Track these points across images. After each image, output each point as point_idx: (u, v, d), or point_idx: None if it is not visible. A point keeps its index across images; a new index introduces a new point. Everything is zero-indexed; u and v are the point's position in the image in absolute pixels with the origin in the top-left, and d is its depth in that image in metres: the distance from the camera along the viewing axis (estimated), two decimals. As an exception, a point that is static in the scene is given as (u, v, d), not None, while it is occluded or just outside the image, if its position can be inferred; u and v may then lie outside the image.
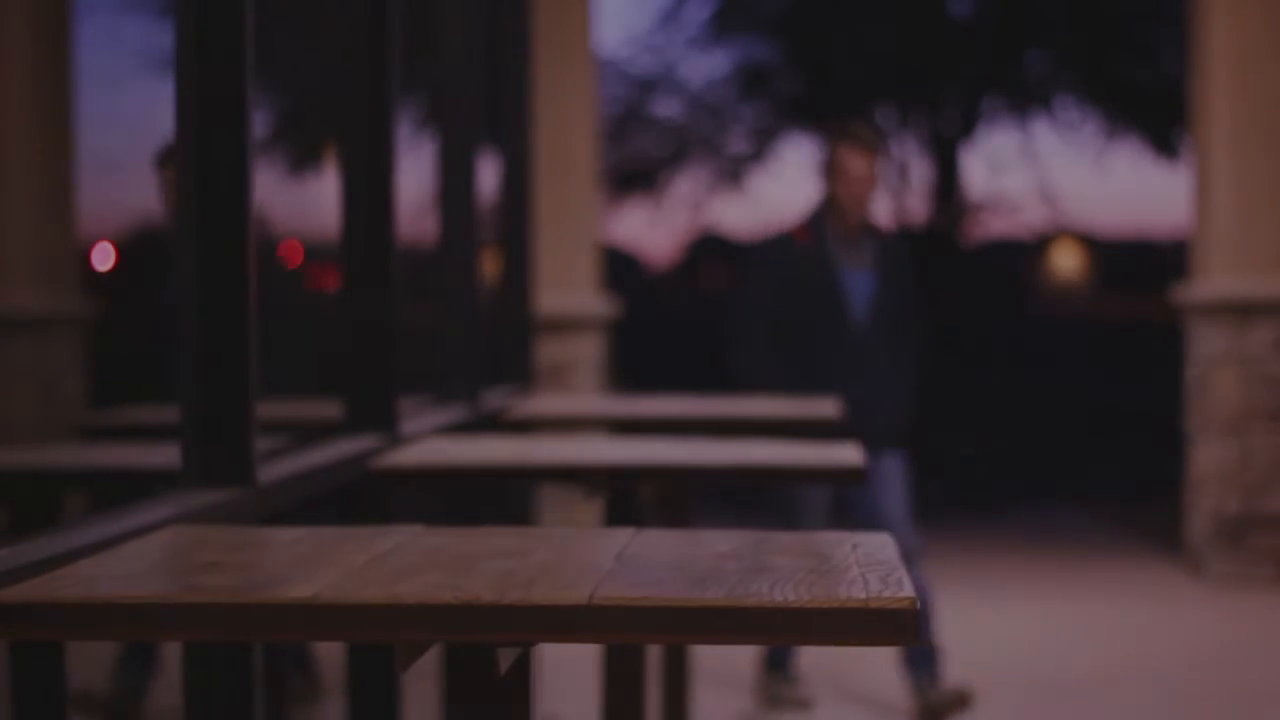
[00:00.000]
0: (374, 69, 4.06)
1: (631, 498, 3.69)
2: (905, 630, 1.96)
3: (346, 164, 4.07)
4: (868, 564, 2.22)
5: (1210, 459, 8.53)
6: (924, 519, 11.00)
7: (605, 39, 32.39)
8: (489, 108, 6.30)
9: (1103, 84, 16.71)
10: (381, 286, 4.06)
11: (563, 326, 8.63)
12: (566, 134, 8.63)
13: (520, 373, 6.16)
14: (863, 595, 1.99)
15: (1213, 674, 6.63)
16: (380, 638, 1.98)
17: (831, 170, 5.99)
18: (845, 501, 6.07)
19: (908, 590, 2.01)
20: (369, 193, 4.06)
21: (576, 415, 5.50)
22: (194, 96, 3.03)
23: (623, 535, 2.45)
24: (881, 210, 18.44)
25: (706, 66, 18.85)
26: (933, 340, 6.44)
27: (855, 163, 5.95)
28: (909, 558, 5.91)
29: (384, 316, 4.05)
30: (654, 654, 6.78)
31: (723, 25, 17.41)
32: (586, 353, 8.69)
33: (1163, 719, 5.97)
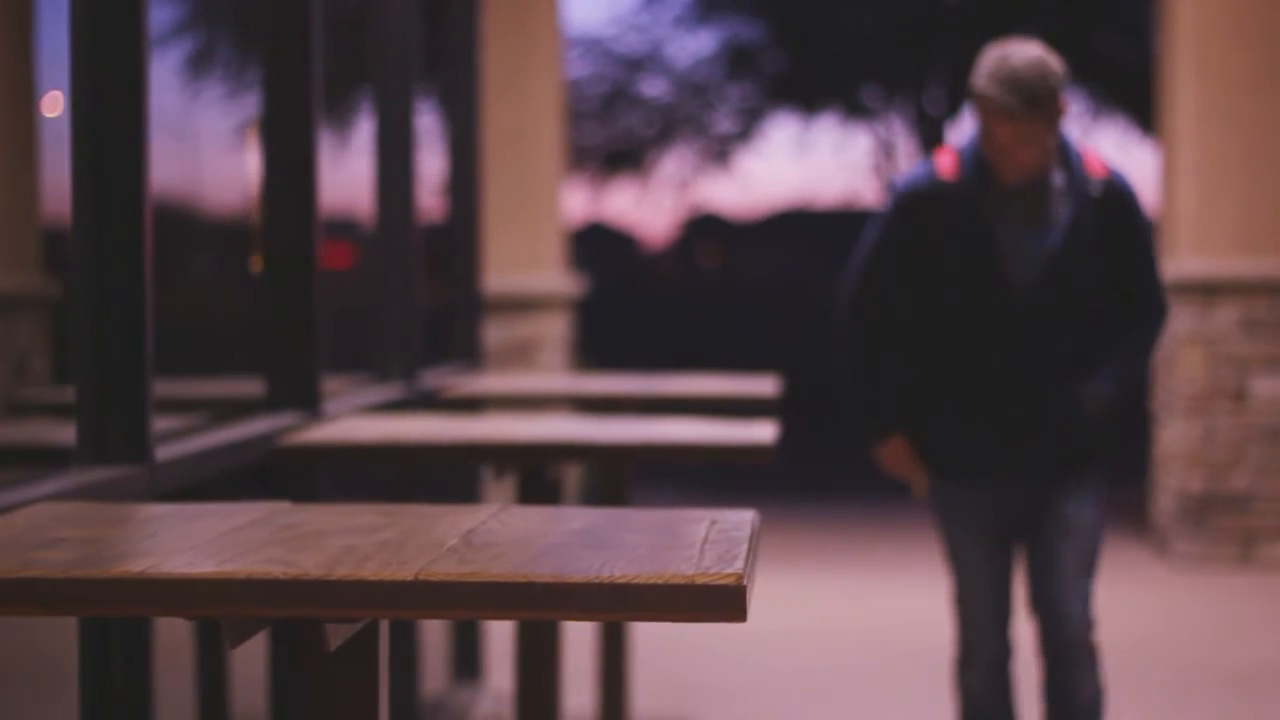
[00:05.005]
0: (296, 46, 4.04)
1: (541, 476, 3.69)
2: (731, 607, 1.95)
3: (267, 141, 4.06)
4: (716, 541, 2.22)
5: (1175, 438, 8.52)
6: (890, 494, 11.01)
7: (591, 18, 32.43)
8: (436, 80, 6.28)
9: (1088, 63, 16.68)
10: (303, 263, 4.05)
11: (527, 305, 8.63)
12: (531, 112, 8.61)
13: (468, 351, 6.16)
14: (690, 571, 1.99)
15: (1173, 654, 6.63)
16: (208, 612, 1.98)
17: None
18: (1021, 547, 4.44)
19: (737, 566, 2.01)
20: (291, 169, 4.05)
21: (518, 393, 5.49)
22: (88, 67, 3.03)
23: (483, 512, 2.44)
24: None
25: (693, 46, 18.82)
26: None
27: (999, 127, 4.11)
28: (1079, 647, 4.27)
29: (305, 293, 4.04)
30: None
31: (708, 4, 17.40)
32: (552, 331, 8.68)
33: (1124, 699, 5.97)
